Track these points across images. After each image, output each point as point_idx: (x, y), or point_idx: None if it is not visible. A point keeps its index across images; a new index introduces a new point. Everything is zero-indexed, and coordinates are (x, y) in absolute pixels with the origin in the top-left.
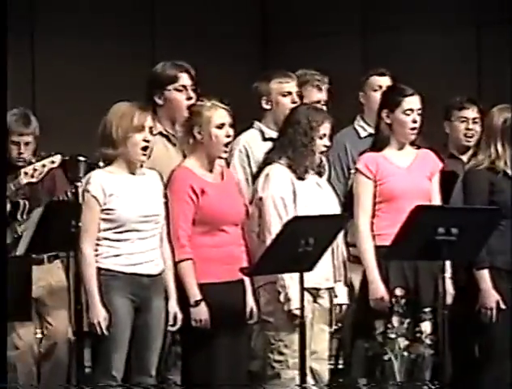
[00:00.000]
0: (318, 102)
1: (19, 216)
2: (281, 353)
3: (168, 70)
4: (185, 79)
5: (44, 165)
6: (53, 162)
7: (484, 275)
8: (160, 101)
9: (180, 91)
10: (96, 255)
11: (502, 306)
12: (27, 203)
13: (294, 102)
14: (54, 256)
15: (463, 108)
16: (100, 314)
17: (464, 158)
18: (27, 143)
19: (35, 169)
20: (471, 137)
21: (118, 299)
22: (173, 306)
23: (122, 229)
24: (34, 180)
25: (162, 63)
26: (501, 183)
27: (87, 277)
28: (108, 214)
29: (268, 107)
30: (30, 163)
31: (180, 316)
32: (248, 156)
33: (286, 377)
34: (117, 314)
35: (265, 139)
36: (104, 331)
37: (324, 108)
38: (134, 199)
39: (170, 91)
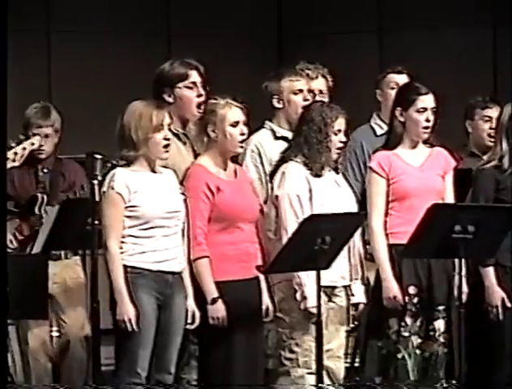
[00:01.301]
0: (312, 91)
1: (36, 210)
2: (292, 351)
3: (178, 68)
4: (194, 76)
5: (24, 148)
6: (32, 144)
7: (489, 273)
8: (169, 99)
9: (190, 88)
10: (122, 253)
11: (508, 304)
12: (45, 197)
13: (306, 99)
14: (74, 252)
15: (487, 107)
16: (129, 311)
17: (485, 157)
18: (46, 136)
19: (15, 153)
20: (494, 136)
21: (144, 296)
22: (191, 304)
23: (147, 226)
24: (16, 164)
25: (170, 61)
26: (506, 181)
27: (115, 274)
28: (132, 211)
29: (280, 106)
30: (10, 147)
31: (198, 314)
32: (260, 155)
33: (295, 375)
34: (143, 312)
35: (276, 138)
36: (135, 328)
37: (317, 97)
38: (157, 196)
39: (180, 89)
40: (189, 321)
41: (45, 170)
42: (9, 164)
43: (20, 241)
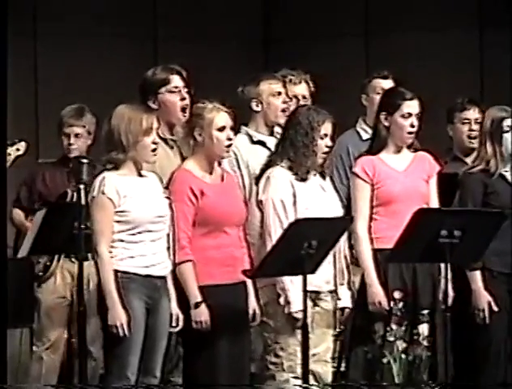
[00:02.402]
0: (295, 96)
1: None
2: (277, 356)
3: (159, 73)
4: (176, 80)
5: (9, 154)
6: (18, 149)
7: (476, 277)
8: (154, 105)
9: (173, 92)
10: (111, 257)
11: (494, 308)
12: (75, 194)
13: (285, 102)
14: None
15: (465, 109)
16: (121, 316)
17: (468, 160)
18: (77, 135)
19: None
20: (474, 138)
21: (135, 301)
22: (175, 308)
23: (136, 231)
24: None
25: (153, 69)
26: (494, 185)
27: (106, 280)
28: (122, 216)
29: (258, 109)
30: None
31: (181, 317)
32: (237, 160)
33: (281, 379)
34: (133, 316)
35: (253, 143)
36: (127, 333)
37: (300, 102)
38: (145, 200)
39: (163, 94)
40: (173, 324)
41: None
42: None
43: None
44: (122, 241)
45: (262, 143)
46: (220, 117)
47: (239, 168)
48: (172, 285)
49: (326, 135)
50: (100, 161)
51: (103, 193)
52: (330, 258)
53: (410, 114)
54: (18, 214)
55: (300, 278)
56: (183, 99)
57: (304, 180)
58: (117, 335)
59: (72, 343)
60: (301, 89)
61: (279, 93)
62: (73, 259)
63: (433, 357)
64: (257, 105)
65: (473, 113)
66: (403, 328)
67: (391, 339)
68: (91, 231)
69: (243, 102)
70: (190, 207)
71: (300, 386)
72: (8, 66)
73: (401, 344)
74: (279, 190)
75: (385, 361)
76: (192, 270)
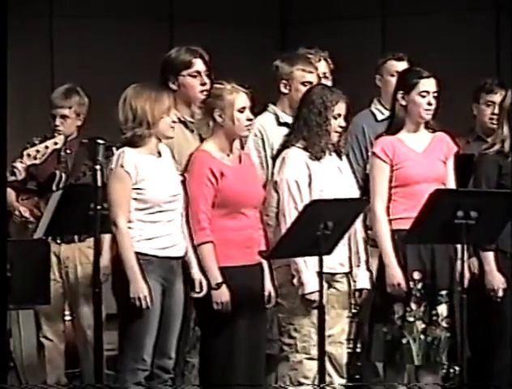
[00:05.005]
0: (317, 75)
1: (54, 187)
2: (291, 337)
3: (183, 55)
4: (199, 64)
5: (46, 147)
6: (55, 143)
7: (489, 257)
8: (174, 87)
9: (194, 76)
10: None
11: (504, 286)
12: (63, 175)
13: None
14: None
15: (491, 91)
16: (143, 289)
17: (489, 140)
18: (63, 117)
19: (37, 151)
20: (497, 120)
21: (152, 283)
22: (198, 273)
23: (154, 210)
24: (37, 162)
25: (176, 48)
26: (509, 166)
27: (127, 253)
28: (139, 194)
29: (286, 91)
30: (33, 144)
31: (205, 282)
32: (263, 140)
33: (294, 360)
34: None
35: (280, 124)
36: (149, 305)
37: (322, 80)
38: (161, 179)
39: (184, 77)
40: (197, 290)
41: (68, 151)
42: (29, 162)
43: (37, 217)
44: (140, 221)
45: (287, 125)
46: (240, 97)
47: (264, 148)
48: (193, 252)
49: (339, 115)
50: (120, 140)
51: (121, 166)
52: (344, 240)
53: (427, 92)
54: (8, 193)
55: (314, 259)
56: (203, 84)
57: (319, 159)
58: (138, 308)
59: (74, 326)
60: (321, 67)
61: (310, 83)
62: (58, 241)
63: (452, 338)
64: (285, 87)
65: (499, 97)
66: (422, 309)
67: (411, 319)
68: (109, 205)
69: (274, 77)
70: (210, 189)
71: (318, 385)
72: (8, 61)
73: (420, 325)
74: (293, 171)
75: (404, 341)
76: (212, 251)
